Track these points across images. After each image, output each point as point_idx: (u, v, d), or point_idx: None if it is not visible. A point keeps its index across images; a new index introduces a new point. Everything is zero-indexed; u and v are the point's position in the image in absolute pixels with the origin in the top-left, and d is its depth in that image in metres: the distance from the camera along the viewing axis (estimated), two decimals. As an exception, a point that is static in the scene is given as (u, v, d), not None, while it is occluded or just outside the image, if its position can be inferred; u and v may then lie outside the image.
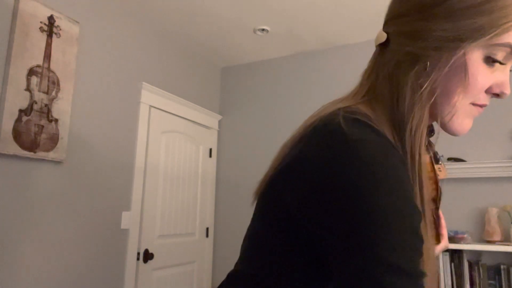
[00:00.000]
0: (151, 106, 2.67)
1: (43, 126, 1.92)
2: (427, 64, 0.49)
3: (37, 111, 1.90)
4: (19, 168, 1.83)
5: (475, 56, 0.48)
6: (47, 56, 1.96)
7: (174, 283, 2.76)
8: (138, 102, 2.58)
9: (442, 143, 2.56)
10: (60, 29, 2.03)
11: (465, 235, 2.20)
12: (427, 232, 0.48)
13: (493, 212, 2.25)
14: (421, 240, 0.43)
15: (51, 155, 1.95)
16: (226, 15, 2.62)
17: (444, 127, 0.54)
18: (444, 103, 0.51)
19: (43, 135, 1.92)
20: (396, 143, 0.49)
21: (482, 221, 2.34)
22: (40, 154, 1.90)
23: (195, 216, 3.05)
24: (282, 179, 0.50)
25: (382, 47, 0.56)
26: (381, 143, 0.45)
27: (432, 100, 0.50)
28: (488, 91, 0.51)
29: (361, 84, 0.57)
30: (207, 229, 3.17)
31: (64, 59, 2.04)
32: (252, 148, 3.20)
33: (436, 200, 0.67)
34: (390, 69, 0.52)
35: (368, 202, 0.41)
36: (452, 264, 2.20)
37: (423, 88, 0.49)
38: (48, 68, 1.96)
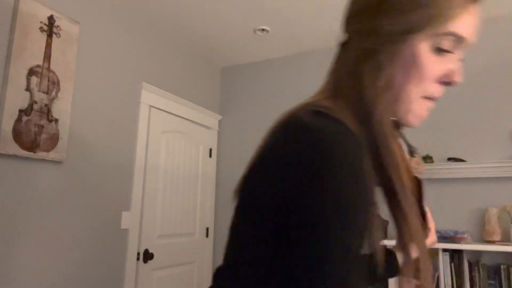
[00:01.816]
0: (151, 106, 2.67)
1: (43, 126, 1.92)
2: (382, 58, 0.52)
3: (37, 111, 1.90)
4: (19, 168, 1.83)
5: (423, 47, 0.51)
6: (47, 56, 1.96)
7: (174, 283, 2.76)
8: (138, 102, 2.57)
9: (442, 143, 2.56)
10: (60, 29, 2.03)
11: (465, 235, 2.20)
12: (411, 213, 0.51)
13: (493, 212, 2.25)
14: (361, 236, 0.45)
15: (51, 155, 1.95)
16: (226, 15, 2.62)
17: (401, 118, 0.56)
18: (400, 95, 0.54)
19: (43, 135, 1.92)
20: (363, 135, 0.51)
21: (482, 221, 2.34)
22: (40, 154, 1.90)
23: (195, 216, 3.05)
24: (254, 174, 0.52)
25: (344, 46, 0.59)
26: (340, 131, 0.47)
27: (392, 91, 0.53)
28: (439, 80, 0.54)
29: (326, 82, 0.60)
30: (207, 229, 3.17)
31: (64, 59, 2.04)
32: (252, 148, 3.20)
33: (421, 195, 0.69)
34: (351, 65, 0.56)
35: (319, 190, 0.44)
36: (452, 264, 2.20)
37: (381, 80, 0.52)
38: (48, 68, 1.96)
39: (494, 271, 2.15)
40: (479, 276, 2.15)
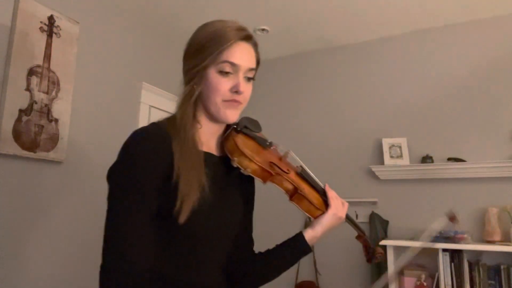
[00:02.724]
0: (151, 106, 2.67)
1: (43, 126, 1.92)
2: (191, 84, 0.84)
3: (37, 111, 1.90)
4: (19, 168, 1.83)
5: (212, 73, 0.82)
6: (47, 56, 1.96)
7: (174, 283, 2.75)
8: (138, 102, 2.57)
9: (442, 143, 2.56)
10: (60, 29, 2.03)
11: (465, 235, 2.20)
12: (186, 175, 0.76)
13: (493, 212, 2.25)
14: (145, 199, 0.74)
15: (51, 155, 1.95)
16: (226, 15, 2.61)
17: (217, 117, 0.85)
18: (208, 105, 0.84)
19: (43, 135, 1.92)
20: (180, 136, 0.79)
21: (482, 221, 2.34)
22: (40, 154, 1.90)
23: (195, 216, 3.04)
24: None
25: None
26: (146, 130, 0.79)
27: (201, 105, 0.86)
28: (231, 91, 0.82)
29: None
30: (207, 229, 3.17)
31: (64, 59, 2.04)
32: (252, 148, 3.19)
33: (310, 177, 0.95)
34: (180, 94, 0.87)
35: (114, 165, 0.78)
36: (452, 264, 2.20)
37: (186, 98, 0.84)
38: (48, 68, 1.96)
39: (494, 271, 2.15)
40: (479, 276, 2.15)
